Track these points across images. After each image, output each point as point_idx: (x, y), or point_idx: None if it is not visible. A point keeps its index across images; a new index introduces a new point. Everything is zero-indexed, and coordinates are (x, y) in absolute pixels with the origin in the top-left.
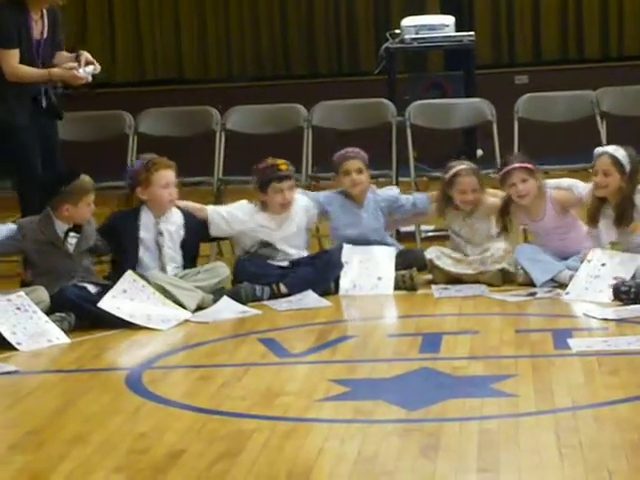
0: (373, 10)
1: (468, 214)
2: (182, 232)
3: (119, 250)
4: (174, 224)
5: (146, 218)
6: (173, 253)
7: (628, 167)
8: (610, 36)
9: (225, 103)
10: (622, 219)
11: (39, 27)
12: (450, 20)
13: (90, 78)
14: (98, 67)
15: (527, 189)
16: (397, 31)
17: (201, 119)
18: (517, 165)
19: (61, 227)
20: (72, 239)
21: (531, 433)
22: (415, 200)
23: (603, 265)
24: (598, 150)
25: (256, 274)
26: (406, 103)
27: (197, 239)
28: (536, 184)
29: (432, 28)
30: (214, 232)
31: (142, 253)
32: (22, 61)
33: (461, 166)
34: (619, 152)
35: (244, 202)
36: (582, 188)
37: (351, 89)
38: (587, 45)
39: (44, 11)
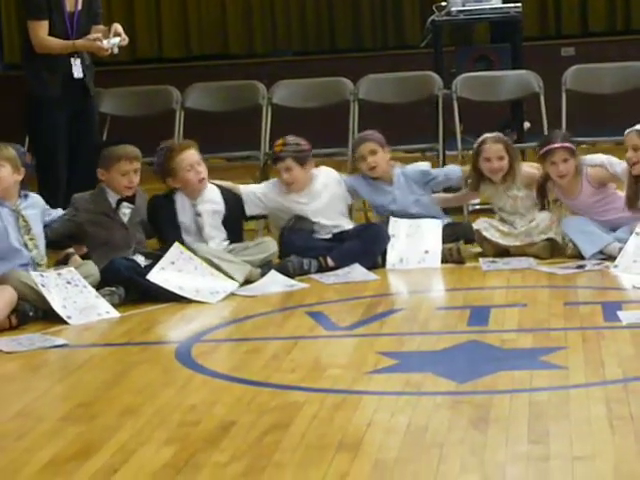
0: None
1: (507, 187)
2: (222, 209)
3: (161, 235)
4: (212, 202)
5: (182, 202)
6: (215, 232)
7: None
8: None
9: (270, 77)
10: None
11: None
12: None
13: (116, 50)
14: (126, 39)
15: (567, 169)
16: (443, 3)
17: (247, 93)
18: (559, 145)
19: (113, 197)
20: (126, 209)
21: (581, 405)
22: (448, 171)
23: None
24: (627, 130)
25: (302, 247)
26: (453, 76)
27: (238, 213)
28: (575, 164)
29: (479, 0)
30: (250, 211)
31: (185, 236)
32: (54, 33)
33: (487, 135)
34: None
35: (275, 180)
36: (617, 165)
37: (397, 62)
38: (634, 16)
39: None
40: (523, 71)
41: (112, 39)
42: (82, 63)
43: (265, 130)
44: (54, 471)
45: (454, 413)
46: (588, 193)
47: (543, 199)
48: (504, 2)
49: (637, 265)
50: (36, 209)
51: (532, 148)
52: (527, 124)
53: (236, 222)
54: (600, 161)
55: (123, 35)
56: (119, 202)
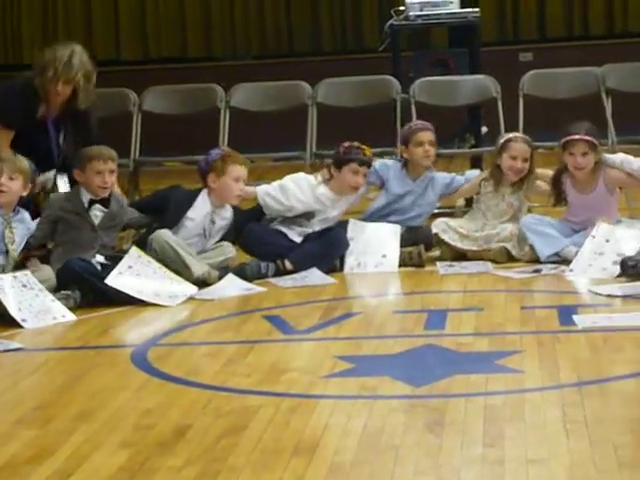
0: None
1: (513, 191)
2: (227, 227)
3: (164, 223)
4: (226, 219)
5: (204, 201)
6: (213, 240)
7: None
8: (615, 12)
9: (229, 81)
10: None
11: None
12: None
13: None
14: None
15: (585, 162)
16: (401, 8)
17: (205, 96)
18: (580, 137)
19: (87, 197)
20: (98, 212)
21: (536, 409)
22: (468, 177)
23: (607, 241)
24: None
25: (262, 240)
26: (410, 80)
27: (237, 234)
28: (594, 159)
29: (436, 5)
30: (270, 213)
31: (186, 231)
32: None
33: (517, 133)
34: None
35: (302, 175)
36: (634, 161)
37: (355, 67)
38: (592, 22)
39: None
40: (481, 76)
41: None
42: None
43: (223, 134)
44: (8, 475)
45: (410, 416)
46: (601, 192)
47: (558, 193)
48: (462, 7)
49: (592, 269)
50: (23, 224)
51: (489, 152)
52: (484, 129)
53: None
54: (619, 160)
55: None
56: (92, 203)
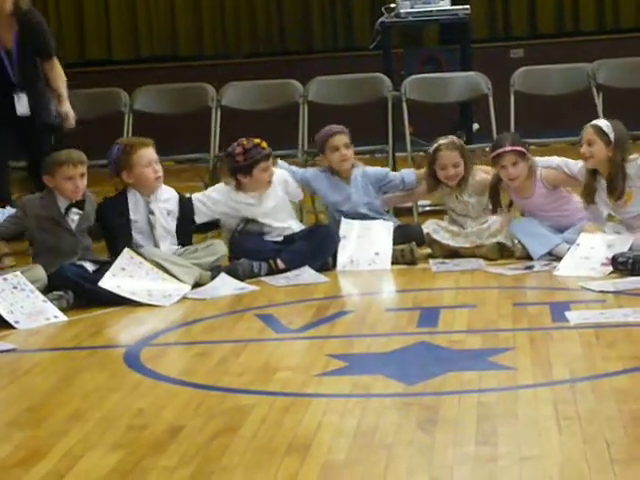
0: None
1: (459, 191)
2: (176, 211)
3: (111, 236)
4: (166, 202)
5: (135, 199)
6: (166, 232)
7: (612, 136)
8: (606, 8)
9: (220, 80)
10: (613, 189)
11: (7, 36)
12: None
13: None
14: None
15: (517, 172)
16: (392, 5)
17: (196, 96)
18: (508, 148)
19: (63, 203)
20: (75, 216)
21: (529, 405)
22: (403, 176)
23: (592, 248)
24: (585, 126)
25: (252, 249)
26: (402, 78)
27: (191, 218)
28: (526, 165)
29: (427, 2)
30: (199, 218)
31: (135, 234)
32: None
33: (442, 140)
34: (602, 122)
35: (221, 185)
36: (573, 165)
37: (347, 64)
38: (583, 18)
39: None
40: (472, 73)
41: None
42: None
43: (215, 132)
44: (0, 477)
45: (403, 415)
46: (541, 194)
47: (495, 202)
48: (453, 4)
49: (580, 270)
50: None
51: (481, 149)
52: (476, 125)
53: (188, 226)
54: (556, 164)
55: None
56: (68, 208)
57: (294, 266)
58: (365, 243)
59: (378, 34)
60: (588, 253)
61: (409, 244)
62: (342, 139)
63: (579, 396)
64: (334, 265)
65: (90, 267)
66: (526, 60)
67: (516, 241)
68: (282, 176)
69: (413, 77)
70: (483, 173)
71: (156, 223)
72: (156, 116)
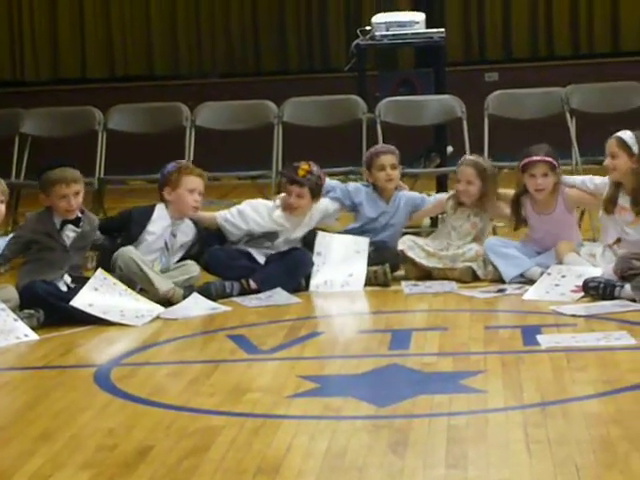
0: (344, 7)
1: (474, 212)
2: (190, 243)
3: (126, 240)
4: (187, 235)
5: (162, 214)
6: (174, 258)
7: (636, 148)
8: (580, 33)
9: (195, 100)
10: (638, 201)
11: None
12: (420, 17)
13: None
14: None
15: (546, 184)
16: (368, 28)
17: (171, 115)
18: (540, 158)
19: (58, 219)
20: (70, 232)
21: (499, 429)
22: (435, 200)
23: (563, 277)
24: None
25: (225, 264)
26: (377, 100)
27: (201, 251)
28: (554, 180)
29: (402, 25)
30: (232, 238)
31: (147, 245)
32: None
33: (467, 156)
34: (626, 134)
35: (260, 200)
36: (597, 179)
37: (322, 86)
38: (557, 42)
39: None
40: (446, 96)
41: None
42: None
43: (189, 152)
44: None
45: (373, 437)
46: (560, 212)
47: (517, 214)
48: (428, 27)
49: (549, 295)
50: None
51: (454, 172)
52: (450, 148)
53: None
54: (580, 180)
55: None
56: (63, 224)
57: (266, 287)
58: (339, 263)
59: (353, 56)
60: (559, 281)
61: (383, 266)
62: (390, 159)
63: (549, 420)
64: (307, 286)
65: (68, 282)
66: (500, 84)
67: (489, 267)
68: (323, 206)
69: (388, 99)
70: (504, 207)
71: (173, 246)
72: (130, 135)
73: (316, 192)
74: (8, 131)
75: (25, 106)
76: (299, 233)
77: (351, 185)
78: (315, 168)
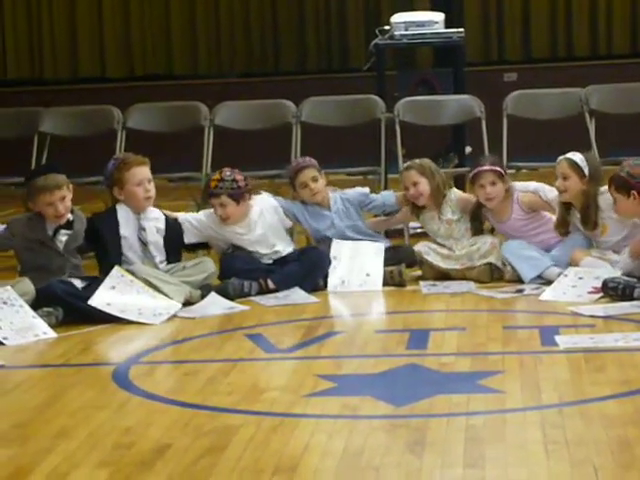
0: (363, 7)
1: (439, 211)
2: (163, 228)
3: (102, 251)
4: (155, 220)
5: (126, 215)
6: (157, 250)
7: (586, 170)
8: (599, 34)
9: (214, 99)
10: (587, 222)
11: None
12: (440, 17)
13: None
14: None
15: (495, 192)
16: (386, 27)
17: (190, 114)
18: (487, 167)
19: (51, 225)
20: (63, 236)
21: (517, 429)
22: (383, 197)
23: (580, 278)
24: (559, 158)
25: (243, 269)
26: (395, 100)
27: (178, 237)
28: (504, 187)
29: (421, 25)
30: (187, 239)
31: (126, 250)
32: None
33: (408, 162)
34: (576, 156)
35: (211, 211)
36: (549, 191)
37: (340, 86)
38: (576, 43)
39: None
40: (465, 96)
41: None
42: None
43: (207, 151)
44: None
45: (390, 437)
46: (518, 217)
47: (477, 223)
48: (447, 27)
49: (566, 296)
50: None
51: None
52: (469, 148)
53: (175, 245)
54: (533, 188)
55: None
56: (57, 230)
57: (284, 288)
58: (356, 264)
59: (372, 56)
60: (576, 282)
61: (398, 266)
62: (309, 173)
63: (567, 420)
64: (325, 286)
65: (79, 284)
66: (519, 84)
67: (508, 267)
68: (271, 203)
69: (406, 99)
70: (466, 194)
71: (147, 238)
72: (149, 134)
73: (236, 195)
74: (27, 130)
75: (44, 105)
76: (257, 232)
77: (290, 204)
78: (227, 174)
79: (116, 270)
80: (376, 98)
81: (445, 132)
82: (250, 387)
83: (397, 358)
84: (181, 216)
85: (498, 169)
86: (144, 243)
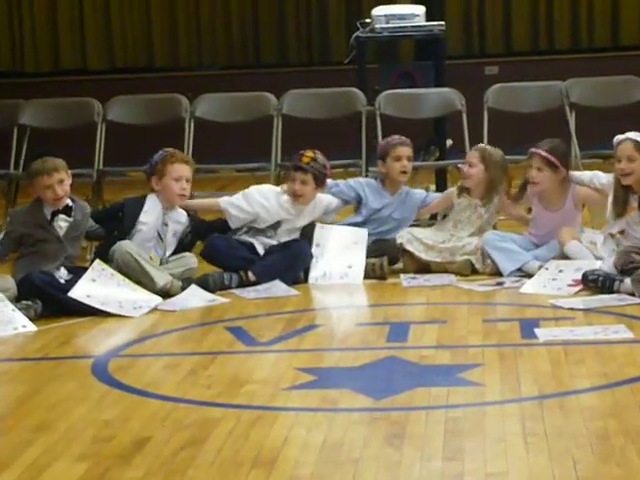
0: None
1: (483, 203)
2: (183, 232)
3: (120, 231)
4: (179, 223)
5: (154, 204)
6: (168, 247)
7: None
8: (580, 27)
9: (195, 91)
10: None
11: None
12: (421, 10)
13: None
14: None
15: (539, 178)
16: (367, 20)
17: (170, 107)
18: (538, 151)
19: (49, 209)
20: (62, 222)
21: (497, 422)
22: (444, 193)
23: (561, 271)
24: (619, 137)
25: (225, 252)
26: (376, 93)
27: (195, 240)
28: (553, 177)
29: (402, 17)
30: (235, 224)
31: (140, 236)
32: None
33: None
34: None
35: (266, 185)
36: (602, 177)
37: (321, 78)
38: (557, 36)
39: None
40: (446, 89)
41: None
42: None
43: (188, 143)
44: None
45: (370, 430)
46: (568, 209)
47: (521, 193)
48: (428, 20)
49: (546, 289)
50: None
51: (454, 165)
52: (449, 141)
53: (187, 246)
54: (589, 178)
55: None
56: (54, 214)
57: (265, 280)
58: (338, 255)
59: (353, 49)
60: (556, 275)
61: (381, 259)
62: (407, 151)
63: (547, 413)
64: (306, 278)
65: (65, 274)
66: (500, 77)
67: (487, 261)
68: (326, 202)
69: (387, 92)
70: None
71: (165, 235)
72: (129, 126)
73: (320, 180)
74: (7, 122)
75: (25, 97)
76: (302, 222)
77: (351, 180)
78: (320, 157)
79: (97, 263)
80: (357, 91)
81: (426, 125)
82: (230, 380)
83: (377, 351)
84: (224, 202)
85: (551, 157)
86: (160, 237)
